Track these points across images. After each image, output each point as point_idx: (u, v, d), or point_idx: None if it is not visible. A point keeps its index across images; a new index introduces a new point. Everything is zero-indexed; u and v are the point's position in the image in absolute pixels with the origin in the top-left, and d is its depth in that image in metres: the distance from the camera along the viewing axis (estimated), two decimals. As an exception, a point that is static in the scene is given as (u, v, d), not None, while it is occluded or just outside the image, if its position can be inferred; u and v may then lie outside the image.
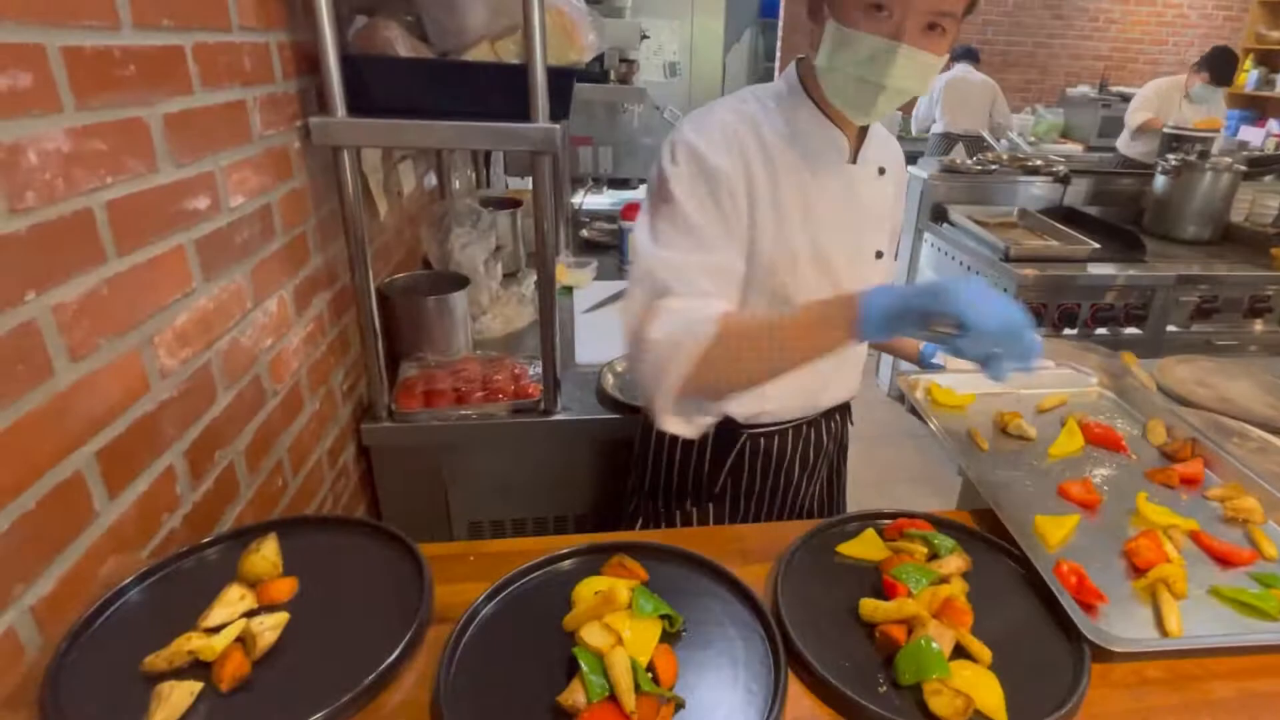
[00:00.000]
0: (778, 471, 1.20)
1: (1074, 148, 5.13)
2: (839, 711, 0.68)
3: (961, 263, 2.84)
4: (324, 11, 1.37)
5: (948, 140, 4.52)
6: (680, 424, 0.88)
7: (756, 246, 0.98)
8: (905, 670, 0.69)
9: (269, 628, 0.72)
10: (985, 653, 0.72)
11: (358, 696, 0.67)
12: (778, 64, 5.80)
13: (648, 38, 2.59)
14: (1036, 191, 3.05)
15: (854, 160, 1.04)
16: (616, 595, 0.74)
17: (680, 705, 0.66)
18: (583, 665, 0.66)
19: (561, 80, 1.48)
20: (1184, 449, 1.12)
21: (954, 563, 0.83)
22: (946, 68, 5.04)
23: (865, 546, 0.87)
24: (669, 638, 0.73)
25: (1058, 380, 1.33)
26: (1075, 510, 0.98)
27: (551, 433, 1.74)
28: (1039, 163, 3.06)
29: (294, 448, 1.40)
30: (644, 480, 1.26)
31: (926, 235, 3.07)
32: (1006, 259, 2.59)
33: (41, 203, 0.75)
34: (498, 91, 1.46)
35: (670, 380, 0.83)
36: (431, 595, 0.80)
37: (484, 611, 0.77)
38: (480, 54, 1.49)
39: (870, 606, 0.77)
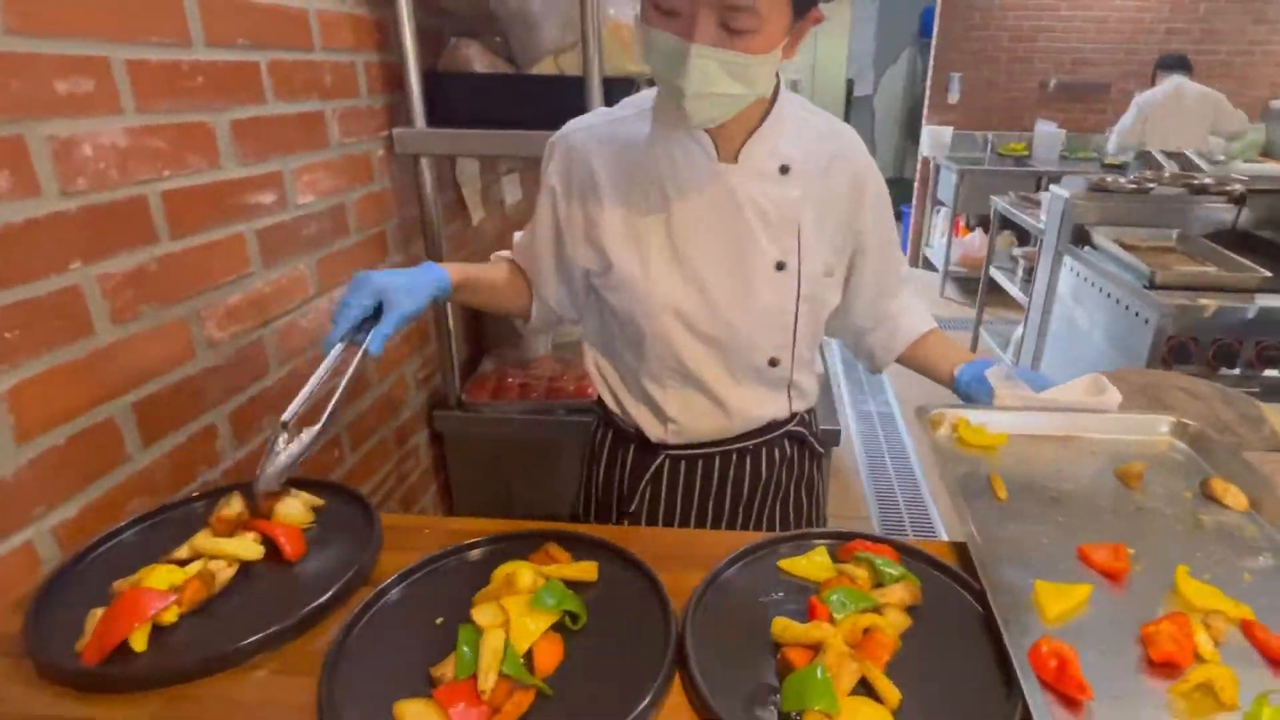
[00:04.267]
0: (704, 497, 1.13)
1: (1275, 166, 4.36)
2: (708, 726, 0.65)
3: (1101, 289, 2.53)
4: (407, 34, 1.51)
5: (1146, 160, 3.99)
6: None
7: (609, 254, 0.98)
8: (789, 696, 0.64)
9: (225, 567, 0.81)
10: (893, 694, 0.65)
11: (283, 632, 0.74)
12: (928, 83, 5.51)
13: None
14: (1205, 214, 2.65)
15: (734, 159, 0.96)
16: (518, 578, 0.75)
17: (546, 694, 0.66)
18: (461, 642, 0.68)
19: (616, 89, 1.51)
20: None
21: (896, 593, 0.76)
22: (1153, 82, 4.43)
23: (810, 565, 0.82)
24: (569, 631, 0.73)
25: (1121, 426, 1.16)
26: (1093, 579, 0.85)
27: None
28: (1208, 181, 2.66)
29: (354, 425, 1.53)
30: (578, 494, 1.25)
31: (1067, 259, 2.77)
32: (1151, 286, 2.28)
33: (93, 188, 0.90)
34: (556, 101, 1.52)
35: None
36: (374, 559, 0.85)
37: (410, 579, 0.81)
38: (545, 68, 1.57)
39: (781, 626, 0.71)
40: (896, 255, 1.18)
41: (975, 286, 4.02)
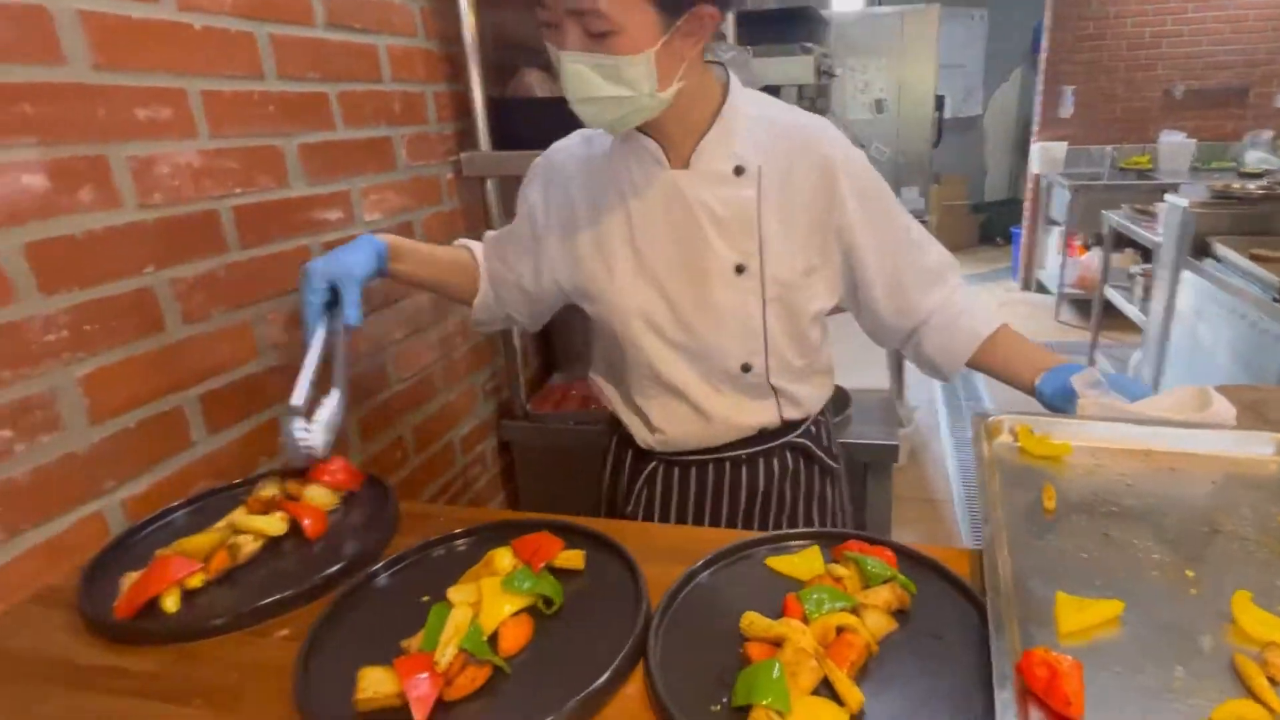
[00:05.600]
0: (698, 505, 1.12)
1: None
2: (658, 717, 0.64)
3: (1225, 305, 2.29)
4: (472, 66, 1.62)
5: None
6: None
7: (581, 266, 1.02)
8: (740, 690, 0.62)
9: (250, 541, 0.88)
10: (855, 697, 0.62)
11: (290, 599, 0.81)
12: (1037, 102, 5.21)
13: (834, 76, 2.54)
14: (1359, 223, 2.35)
15: (686, 165, 0.96)
16: (495, 560, 0.77)
17: (504, 672, 0.68)
18: (431, 616, 0.71)
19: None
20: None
21: (882, 595, 0.72)
22: None
23: (799, 564, 0.79)
24: (544, 615, 0.75)
25: (1217, 442, 1.03)
26: (1129, 596, 0.77)
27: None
28: (1357, 186, 2.36)
29: (419, 428, 1.62)
30: (598, 496, 1.29)
31: (1187, 274, 2.53)
32: (1281, 301, 2.04)
33: (168, 202, 1.02)
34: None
35: None
36: (387, 540, 0.92)
37: (407, 559, 0.85)
38: (598, 88, 1.63)
39: (748, 620, 0.70)
40: (911, 246, 1.06)
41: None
